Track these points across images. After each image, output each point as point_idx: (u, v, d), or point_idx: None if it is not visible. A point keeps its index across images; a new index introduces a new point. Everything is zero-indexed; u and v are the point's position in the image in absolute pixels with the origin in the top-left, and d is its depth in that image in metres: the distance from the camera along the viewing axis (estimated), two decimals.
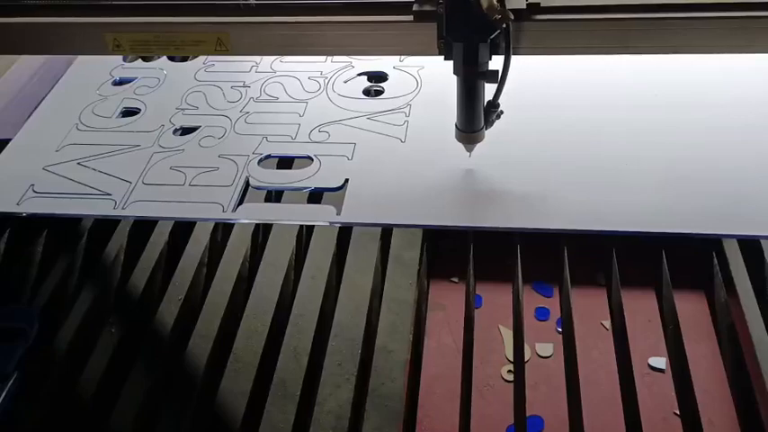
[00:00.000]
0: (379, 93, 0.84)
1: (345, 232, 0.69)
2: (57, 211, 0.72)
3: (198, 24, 0.62)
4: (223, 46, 0.62)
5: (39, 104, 0.88)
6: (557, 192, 0.69)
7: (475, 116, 0.65)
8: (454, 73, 0.61)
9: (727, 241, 0.66)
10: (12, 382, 0.59)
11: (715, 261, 0.65)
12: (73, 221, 0.73)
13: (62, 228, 0.73)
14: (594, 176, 0.71)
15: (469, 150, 0.69)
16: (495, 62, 0.60)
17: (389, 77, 0.86)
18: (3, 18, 0.63)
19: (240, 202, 0.72)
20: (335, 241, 0.69)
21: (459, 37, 0.58)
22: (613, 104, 0.78)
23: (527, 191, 0.70)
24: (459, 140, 0.68)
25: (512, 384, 0.64)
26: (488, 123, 0.66)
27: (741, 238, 0.65)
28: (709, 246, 0.66)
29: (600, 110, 0.78)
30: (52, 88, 0.90)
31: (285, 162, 0.77)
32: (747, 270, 0.64)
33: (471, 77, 0.61)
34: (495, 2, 0.53)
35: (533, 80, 0.82)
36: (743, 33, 0.56)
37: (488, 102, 0.64)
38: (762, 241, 0.64)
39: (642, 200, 0.68)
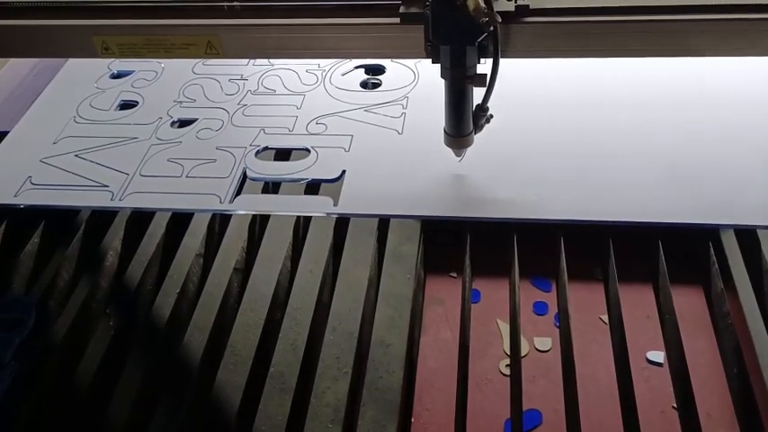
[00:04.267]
0: (376, 85, 0.84)
1: (342, 223, 0.69)
2: (54, 203, 0.73)
3: (187, 27, 0.61)
4: (214, 49, 0.62)
5: (37, 97, 0.88)
6: (554, 184, 0.69)
7: (464, 120, 0.64)
8: (441, 77, 0.61)
9: (724, 232, 0.65)
10: (9, 371, 0.59)
11: (711, 251, 0.65)
12: (70, 213, 0.73)
13: (59, 219, 0.73)
14: (591, 169, 0.71)
15: (459, 155, 0.69)
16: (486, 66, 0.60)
17: (387, 70, 0.86)
18: None
19: (237, 193, 0.72)
20: (333, 232, 0.68)
21: (446, 40, 0.57)
22: (610, 101, 0.79)
23: (524, 183, 0.70)
24: (448, 145, 0.67)
25: (510, 378, 0.64)
26: (477, 128, 0.66)
27: (738, 228, 0.65)
28: (705, 237, 0.66)
29: (596, 106, 0.78)
30: (50, 81, 0.90)
31: (282, 154, 0.77)
32: (744, 260, 0.64)
33: (459, 81, 0.60)
34: (482, 4, 0.53)
35: (532, 76, 0.82)
36: (736, 36, 0.57)
37: (477, 106, 0.64)
38: (758, 231, 0.64)
39: (639, 191, 0.68)
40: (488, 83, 0.59)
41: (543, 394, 0.63)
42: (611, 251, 0.66)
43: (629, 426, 0.56)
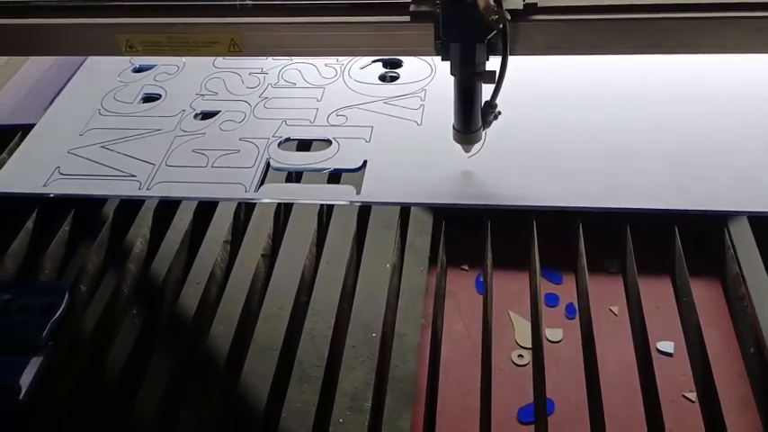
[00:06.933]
0: (394, 78, 0.86)
1: (365, 211, 0.71)
2: (82, 192, 0.75)
3: (210, 25, 0.63)
4: (237, 47, 0.63)
5: (61, 90, 0.90)
6: (571, 174, 0.71)
7: (472, 117, 0.65)
8: (451, 74, 0.62)
9: (737, 219, 0.66)
10: (45, 353, 0.61)
11: (726, 237, 0.66)
12: (99, 202, 0.75)
13: (89, 208, 0.74)
14: (608, 159, 0.72)
15: (467, 151, 0.70)
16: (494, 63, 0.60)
17: (404, 63, 0.87)
18: (14, 19, 0.65)
19: (262, 182, 0.74)
20: (356, 220, 0.70)
21: (456, 38, 0.58)
22: (624, 95, 0.80)
23: (542, 173, 0.71)
24: (457, 141, 0.69)
25: (522, 368, 0.65)
26: (486, 124, 0.66)
27: (751, 215, 0.66)
28: (720, 224, 0.67)
29: (610, 101, 0.79)
30: (74, 74, 0.92)
31: (304, 145, 0.79)
32: (758, 246, 0.65)
33: (468, 78, 0.61)
34: (491, 2, 0.54)
35: (548, 73, 0.83)
36: (742, 34, 0.57)
37: (486, 102, 0.64)
38: None
39: (655, 180, 0.69)
40: (497, 80, 0.60)
41: (555, 384, 0.64)
42: (629, 237, 0.67)
43: (648, 413, 0.57)
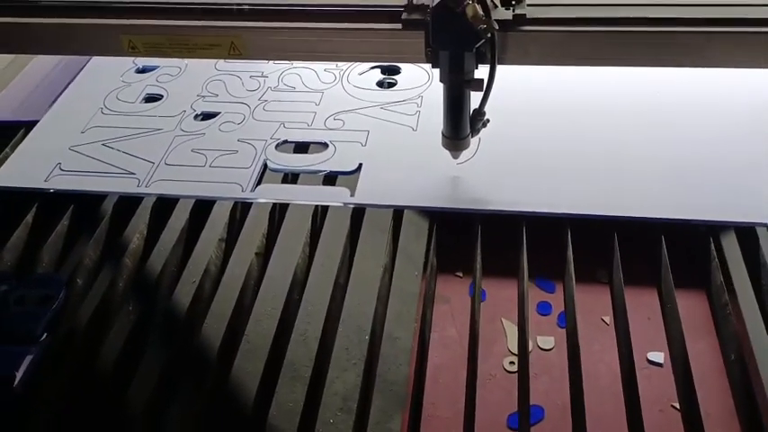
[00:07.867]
0: (392, 85, 0.87)
1: (358, 214, 0.72)
2: (82, 188, 0.75)
3: (211, 28, 0.64)
4: (237, 50, 0.64)
5: (64, 89, 0.91)
6: (561, 181, 0.72)
7: (461, 124, 0.67)
8: (441, 81, 0.63)
9: (724, 230, 0.67)
10: (41, 344, 0.61)
11: (712, 247, 0.67)
12: (98, 198, 0.75)
13: (88, 204, 0.75)
14: (599, 168, 0.73)
15: (456, 157, 0.71)
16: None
17: (402, 70, 0.88)
18: (19, 18, 0.66)
19: (258, 182, 0.74)
20: (349, 222, 0.71)
21: (446, 46, 0.60)
22: (615, 105, 0.81)
23: (533, 180, 0.72)
24: (446, 147, 0.70)
25: (513, 375, 0.66)
26: (474, 131, 0.68)
27: (737, 225, 0.67)
28: (706, 234, 0.68)
29: (603, 109, 0.80)
30: (78, 74, 0.93)
31: (302, 147, 0.79)
32: (743, 257, 0.65)
33: (457, 86, 0.63)
34: (480, 12, 0.55)
35: (542, 81, 0.84)
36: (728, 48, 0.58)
37: (475, 110, 0.66)
38: (757, 229, 0.67)
39: (643, 189, 0.70)
40: (485, 88, 0.61)
41: (546, 391, 0.64)
42: (616, 246, 0.68)
43: (632, 422, 0.58)
